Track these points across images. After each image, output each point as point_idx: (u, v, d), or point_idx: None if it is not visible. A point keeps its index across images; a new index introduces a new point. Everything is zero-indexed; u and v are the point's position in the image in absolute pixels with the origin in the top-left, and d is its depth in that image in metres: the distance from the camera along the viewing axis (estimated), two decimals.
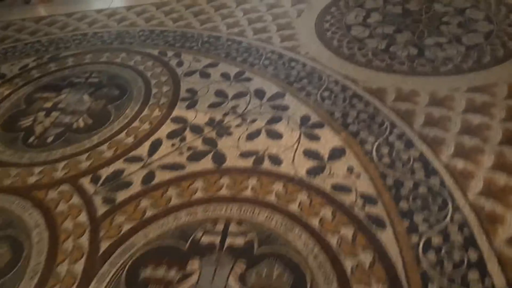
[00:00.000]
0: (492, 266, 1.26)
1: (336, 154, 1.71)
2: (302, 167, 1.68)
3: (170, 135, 1.94)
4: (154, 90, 2.25)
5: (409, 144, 1.70)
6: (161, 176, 1.74)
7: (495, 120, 1.75)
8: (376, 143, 1.72)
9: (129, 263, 1.40)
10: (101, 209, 1.61)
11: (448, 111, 1.82)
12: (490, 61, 2.06)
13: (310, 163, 1.69)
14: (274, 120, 1.93)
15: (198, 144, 1.87)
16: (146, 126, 2.02)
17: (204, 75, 2.30)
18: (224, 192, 1.61)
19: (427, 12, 2.53)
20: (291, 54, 2.35)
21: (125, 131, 2.01)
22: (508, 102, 1.82)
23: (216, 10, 2.91)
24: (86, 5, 3.27)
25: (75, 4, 3.29)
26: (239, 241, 1.43)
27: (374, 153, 1.68)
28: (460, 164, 1.59)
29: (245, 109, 2.02)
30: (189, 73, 2.33)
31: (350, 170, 1.63)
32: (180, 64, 2.42)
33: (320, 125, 1.86)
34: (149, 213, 1.56)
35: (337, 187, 1.56)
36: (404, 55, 2.20)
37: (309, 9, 2.75)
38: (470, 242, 1.33)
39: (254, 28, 2.65)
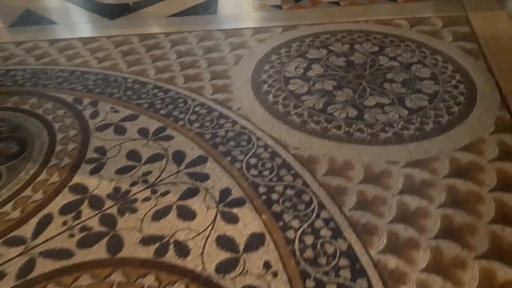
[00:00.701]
0: None
1: (254, 243, 1.46)
2: (212, 261, 1.41)
3: (64, 210, 1.63)
4: (58, 148, 1.94)
5: (337, 233, 1.47)
6: (42, 267, 1.43)
7: (434, 204, 1.55)
8: (300, 230, 1.48)
9: None
10: None
11: (384, 190, 1.61)
12: (433, 129, 1.89)
13: (222, 255, 1.43)
14: (189, 193, 1.66)
15: (95, 223, 1.57)
16: (38, 195, 1.70)
17: (119, 130, 2.02)
18: None
19: (372, 66, 2.36)
20: (222, 109, 2.11)
21: (13, 202, 1.69)
22: (448, 181, 1.63)
23: (148, 51, 2.65)
24: (5, 35, 2.93)
25: None
26: None
27: (296, 243, 1.44)
28: (392, 262, 1.37)
29: (158, 177, 1.74)
30: (103, 127, 2.04)
31: (267, 266, 1.38)
32: (95, 115, 2.13)
33: (241, 203, 1.61)
34: None
35: None
36: (342, 117, 1.99)
37: (249, 56, 2.53)
38: None
39: (186, 74, 2.40)
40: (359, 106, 2.06)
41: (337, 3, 3.11)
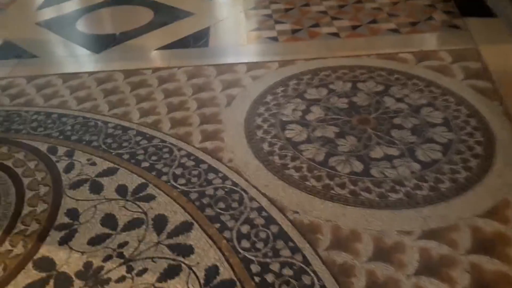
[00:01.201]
0: None
1: None
2: None
3: None
4: (25, 209, 1.71)
5: None
6: None
7: None
8: None
9: None
10: None
11: (397, 270, 1.38)
12: (449, 188, 1.67)
13: None
14: (170, 272, 1.43)
15: None
16: None
17: (95, 187, 1.79)
18: None
19: (377, 108, 2.15)
20: (211, 161, 1.89)
21: None
22: (471, 259, 1.40)
23: (133, 89, 2.44)
24: None
25: None
26: None
27: None
28: None
29: (136, 249, 1.51)
30: (77, 184, 1.81)
31: None
32: (69, 168, 1.90)
33: (229, 286, 1.37)
34: None
35: None
36: (345, 172, 1.77)
37: (242, 96, 2.32)
38: None
39: (172, 118, 2.18)
40: (365, 159, 1.84)
41: (337, 35, 2.92)
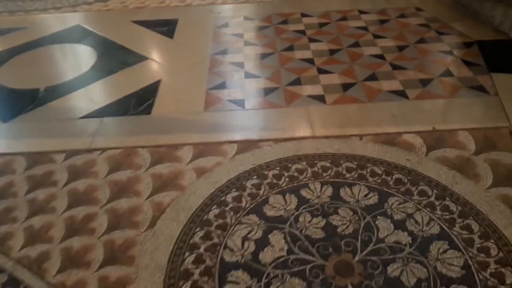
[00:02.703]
0: None
1: None
2: None
3: None
4: None
5: None
6: None
7: None
8: None
9: None
10: None
11: None
12: None
13: None
14: None
15: None
16: None
17: None
18: None
19: (366, 242, 1.45)
20: None
21: None
22: None
23: (30, 190, 1.77)
24: None
25: None
26: None
27: None
28: None
29: None
30: None
31: None
32: None
33: None
34: None
35: None
36: None
37: (176, 209, 1.64)
38: None
39: (65, 251, 1.50)
40: None
41: (322, 98, 2.21)
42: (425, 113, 2.07)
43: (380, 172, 1.73)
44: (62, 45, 2.91)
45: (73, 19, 3.30)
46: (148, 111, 2.19)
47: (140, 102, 2.26)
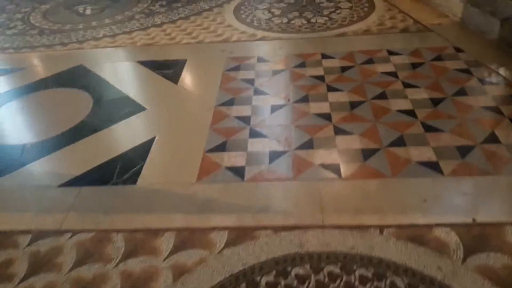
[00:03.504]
0: None
1: None
2: None
3: None
4: None
5: None
6: None
7: None
8: None
9: None
10: None
11: None
12: None
13: None
14: None
15: None
16: None
17: None
18: None
19: None
20: None
21: None
22: None
23: None
24: None
25: None
26: None
27: None
28: None
29: None
30: None
31: None
32: None
33: None
34: None
35: None
36: None
37: None
38: None
39: None
40: None
41: (337, 169, 1.85)
42: (464, 196, 1.67)
43: (402, 286, 1.35)
44: (58, 90, 2.70)
45: (77, 58, 3.10)
46: (133, 179, 1.91)
47: (127, 168, 1.98)
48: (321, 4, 3.76)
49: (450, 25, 3.06)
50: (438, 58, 2.65)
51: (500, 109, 2.13)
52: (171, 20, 3.65)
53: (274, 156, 1.97)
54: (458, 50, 2.72)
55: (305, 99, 2.37)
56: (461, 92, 2.30)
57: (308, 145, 2.02)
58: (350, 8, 3.60)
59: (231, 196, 1.78)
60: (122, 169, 1.97)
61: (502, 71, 2.44)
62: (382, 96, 2.32)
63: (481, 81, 2.38)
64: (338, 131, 2.09)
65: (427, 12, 3.31)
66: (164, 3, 4.11)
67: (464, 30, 2.96)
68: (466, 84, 2.37)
